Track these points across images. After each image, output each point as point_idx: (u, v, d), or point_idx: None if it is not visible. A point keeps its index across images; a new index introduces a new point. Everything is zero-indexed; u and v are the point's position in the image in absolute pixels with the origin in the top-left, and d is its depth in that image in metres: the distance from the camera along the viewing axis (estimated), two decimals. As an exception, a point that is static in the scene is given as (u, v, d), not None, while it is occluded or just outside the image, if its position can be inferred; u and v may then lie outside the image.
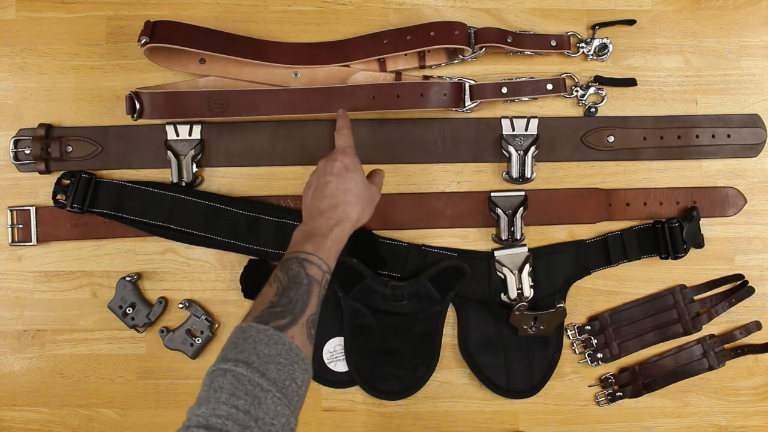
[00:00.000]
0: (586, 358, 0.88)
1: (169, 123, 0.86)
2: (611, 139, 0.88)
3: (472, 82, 0.87)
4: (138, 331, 0.87)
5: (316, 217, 0.70)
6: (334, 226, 0.69)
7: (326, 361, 0.86)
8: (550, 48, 0.87)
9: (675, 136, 0.88)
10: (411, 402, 0.87)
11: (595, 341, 0.87)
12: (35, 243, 0.87)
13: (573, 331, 0.88)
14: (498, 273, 0.86)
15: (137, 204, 0.85)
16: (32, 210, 0.87)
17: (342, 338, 0.86)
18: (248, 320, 0.61)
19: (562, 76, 0.88)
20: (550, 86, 0.87)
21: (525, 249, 0.87)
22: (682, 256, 0.87)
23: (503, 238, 0.87)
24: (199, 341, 0.86)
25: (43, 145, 0.85)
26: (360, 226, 0.73)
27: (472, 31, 0.85)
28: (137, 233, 0.86)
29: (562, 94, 0.87)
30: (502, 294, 0.86)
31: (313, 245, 0.67)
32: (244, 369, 0.55)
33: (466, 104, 0.87)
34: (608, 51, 0.88)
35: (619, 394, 0.88)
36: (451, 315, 0.87)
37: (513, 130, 0.87)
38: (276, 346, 0.58)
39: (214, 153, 0.87)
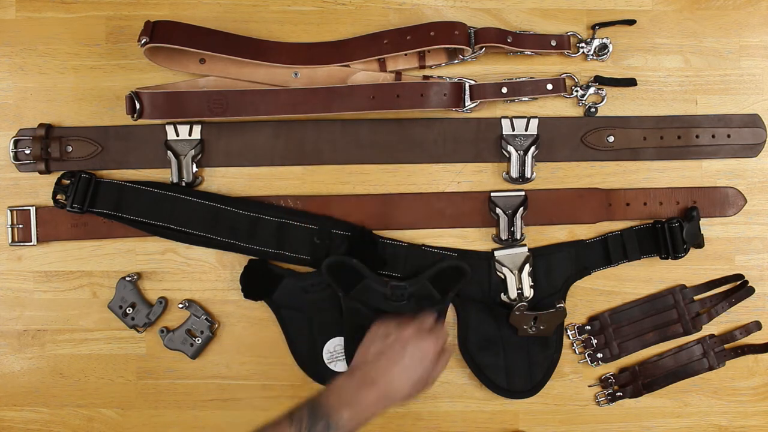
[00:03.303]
0: (586, 358, 0.88)
1: (169, 123, 0.86)
2: (611, 139, 0.88)
3: (472, 82, 0.87)
4: (138, 331, 0.87)
5: (371, 387, 0.71)
6: (380, 409, 0.71)
7: (326, 361, 0.86)
8: (550, 48, 0.87)
9: (675, 136, 0.88)
10: (411, 402, 0.87)
11: (595, 341, 0.87)
12: (35, 243, 0.86)
13: (573, 331, 0.88)
14: (498, 273, 0.86)
15: (137, 204, 0.85)
16: (32, 210, 0.86)
17: (342, 338, 0.86)
18: None
19: (562, 76, 0.88)
20: (550, 86, 0.87)
21: (525, 249, 0.87)
22: (682, 256, 0.87)
23: (503, 238, 0.87)
24: (199, 341, 0.86)
25: (43, 145, 0.85)
26: None
27: (472, 31, 0.85)
28: (137, 233, 0.86)
29: (562, 94, 0.87)
30: (502, 294, 0.86)
31: (350, 415, 0.68)
32: None
33: (466, 104, 0.87)
34: (608, 51, 0.88)
35: (619, 394, 0.88)
36: (451, 315, 0.87)
37: (513, 130, 0.87)
38: None
39: (214, 153, 0.87)
